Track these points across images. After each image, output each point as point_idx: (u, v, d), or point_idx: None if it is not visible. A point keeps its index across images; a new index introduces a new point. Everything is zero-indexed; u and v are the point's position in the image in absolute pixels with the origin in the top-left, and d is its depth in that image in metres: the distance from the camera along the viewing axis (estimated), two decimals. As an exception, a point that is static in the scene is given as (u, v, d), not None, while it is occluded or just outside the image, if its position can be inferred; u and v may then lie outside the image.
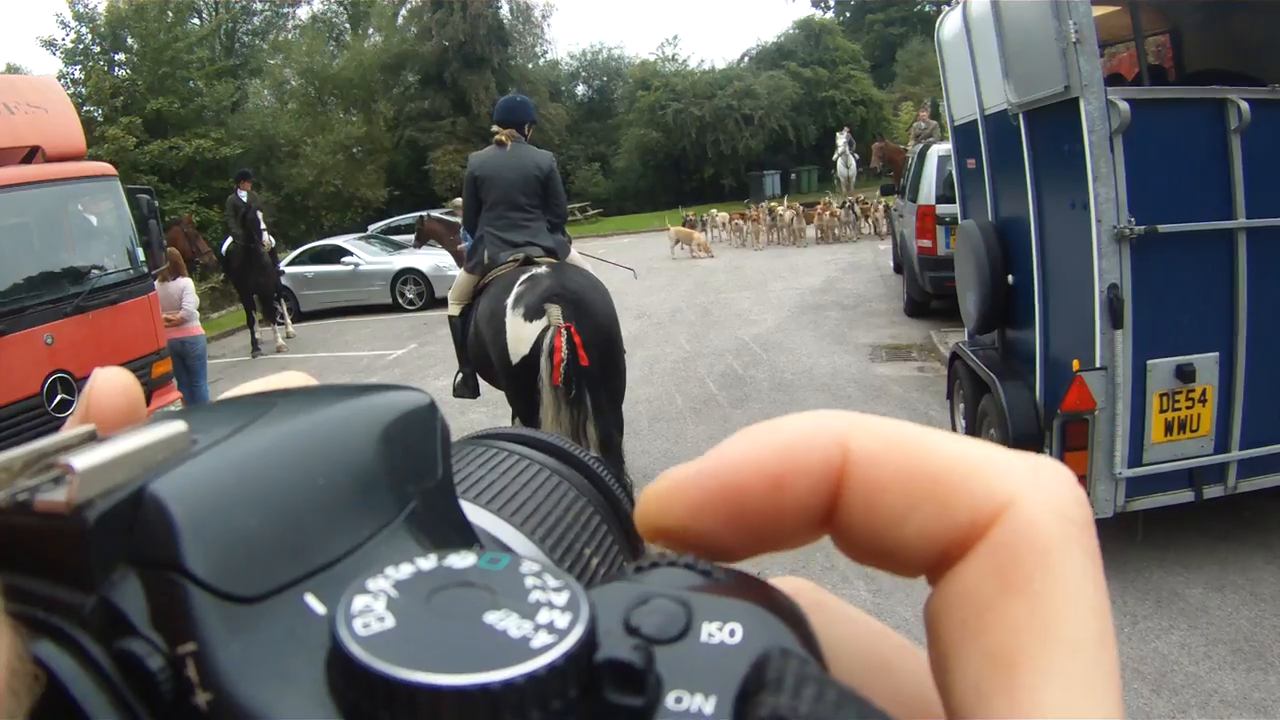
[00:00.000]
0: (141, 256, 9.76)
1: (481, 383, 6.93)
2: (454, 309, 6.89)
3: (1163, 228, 4.76)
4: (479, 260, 6.48)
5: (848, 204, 23.88)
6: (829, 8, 73.54)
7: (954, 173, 7.99)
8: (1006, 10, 5.55)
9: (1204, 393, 4.96)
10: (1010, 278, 6.33)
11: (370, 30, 44.37)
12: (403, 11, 45.79)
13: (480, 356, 6.40)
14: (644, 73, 44.43)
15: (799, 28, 45.63)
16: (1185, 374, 4.89)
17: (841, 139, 30.47)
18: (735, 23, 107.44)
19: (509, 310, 5.61)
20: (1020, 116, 5.61)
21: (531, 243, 6.34)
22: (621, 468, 5.55)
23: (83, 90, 27.87)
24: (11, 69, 28.50)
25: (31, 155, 9.27)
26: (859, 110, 41.17)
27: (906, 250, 13.12)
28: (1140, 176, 4.75)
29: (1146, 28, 6.89)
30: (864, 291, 15.61)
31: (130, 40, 29.44)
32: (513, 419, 7.31)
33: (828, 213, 23.20)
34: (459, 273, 7.03)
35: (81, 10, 29.22)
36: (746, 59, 45.38)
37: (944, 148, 12.19)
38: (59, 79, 28.06)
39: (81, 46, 29.76)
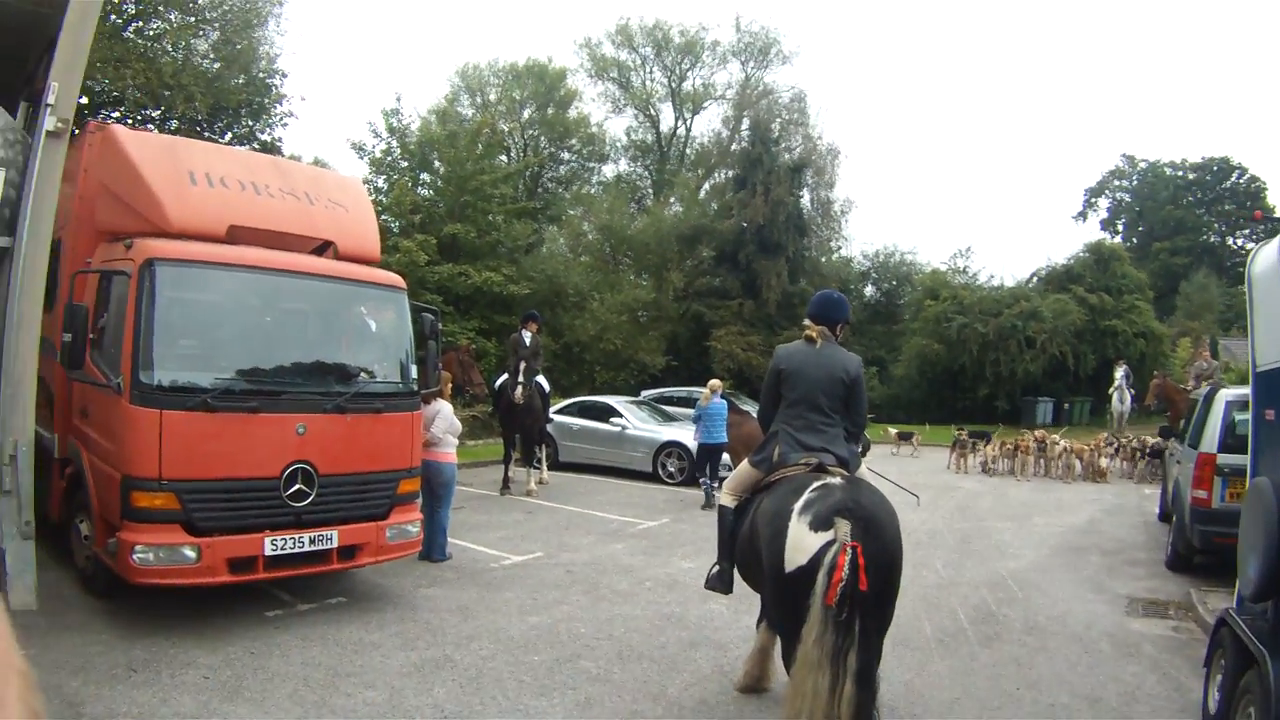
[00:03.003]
0: (415, 373, 9.98)
1: (736, 580, 6.70)
2: (728, 499, 6.68)
3: None
4: (767, 456, 6.31)
5: (1119, 443, 23.01)
6: (1118, 232, 72.71)
7: (1250, 422, 7.53)
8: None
9: None
10: (1299, 544, 5.91)
11: (673, 199, 45.53)
12: (706, 186, 47.56)
13: (748, 554, 6.21)
14: (934, 281, 44.01)
15: (1089, 251, 44.48)
16: None
17: (1119, 372, 29.46)
18: (1028, 239, 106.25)
19: (795, 514, 5.37)
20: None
21: (827, 449, 6.14)
22: (874, 700, 5.22)
23: (384, 199, 29.39)
24: (319, 163, 29.22)
25: (323, 249, 9.72)
26: (1139, 343, 39.63)
27: (1179, 498, 12.40)
28: None
29: None
30: (1126, 537, 14.86)
31: (437, 163, 30.40)
32: (758, 623, 7.24)
33: (1101, 456, 22.43)
34: (743, 463, 6.74)
35: (395, 125, 30.49)
36: (1035, 279, 44.53)
37: (1234, 392, 11.69)
38: (363, 183, 29.88)
39: (390, 159, 30.75)
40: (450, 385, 12.97)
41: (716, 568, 6.87)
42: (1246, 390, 10.88)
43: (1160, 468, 19.57)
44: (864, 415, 6.69)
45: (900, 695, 7.26)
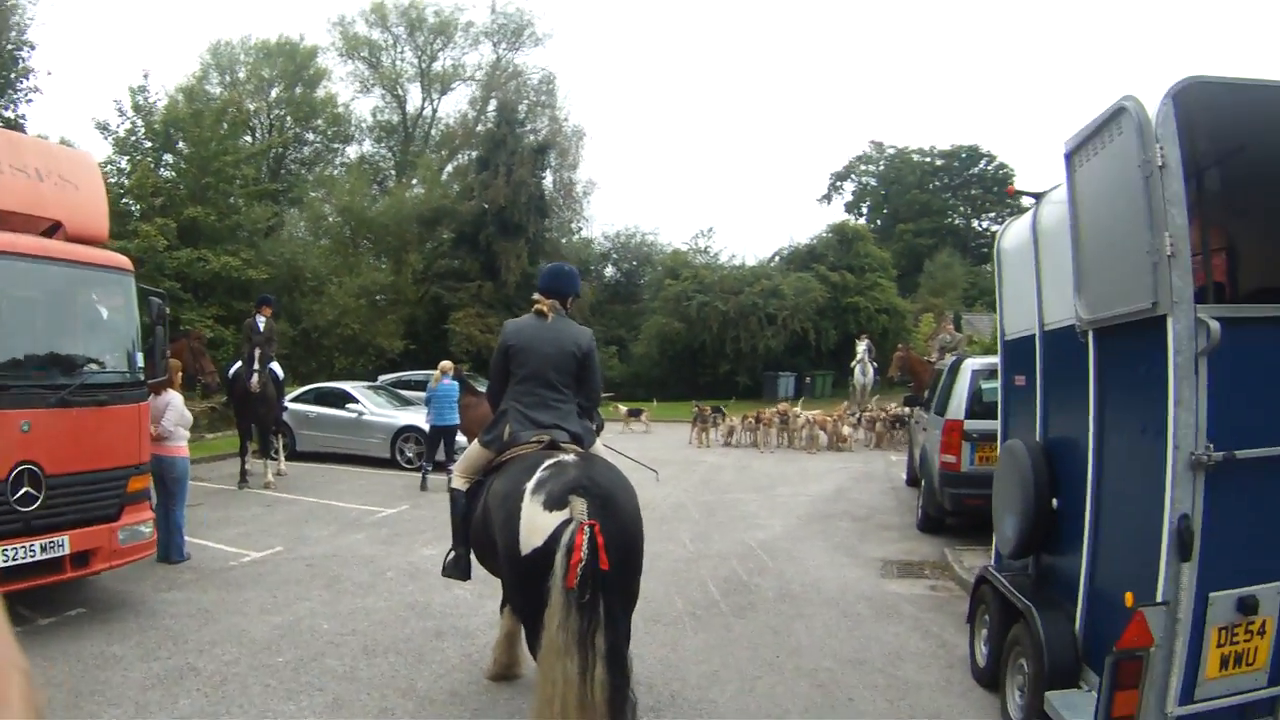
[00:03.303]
0: (141, 362, 9.29)
1: (475, 564, 6.34)
2: (459, 482, 6.32)
3: (1240, 454, 4.44)
4: (498, 435, 5.97)
5: (861, 413, 23.76)
6: (862, 214, 76.18)
7: (999, 389, 7.71)
8: (1087, 222, 5.33)
9: (1264, 625, 4.59)
10: (1055, 501, 6.03)
11: (415, 181, 44.83)
12: (449, 167, 47.16)
13: (483, 539, 5.85)
14: (675, 261, 44.87)
15: (833, 232, 46.36)
16: (1247, 606, 4.52)
17: (861, 346, 30.28)
18: (771, 221, 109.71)
19: (528, 495, 5.10)
20: (1089, 334, 5.36)
21: (559, 425, 5.89)
22: (629, 681, 4.94)
23: (126, 181, 27.75)
24: (65, 143, 28.26)
25: (52, 231, 8.88)
26: (881, 318, 41.66)
27: (926, 464, 12.82)
28: (1219, 400, 4.46)
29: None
30: (876, 503, 15.22)
31: (181, 144, 29.30)
32: (501, 607, 6.87)
33: (844, 424, 23.07)
34: (473, 443, 6.42)
35: (141, 103, 29.16)
36: (778, 258, 46.01)
37: (979, 362, 12.14)
38: (105, 165, 27.51)
39: (134, 139, 29.48)
40: (181, 374, 12.24)
41: (452, 554, 6.52)
42: (991, 360, 11.36)
43: (907, 435, 20.25)
44: (598, 390, 6.52)
45: (657, 672, 7.14)
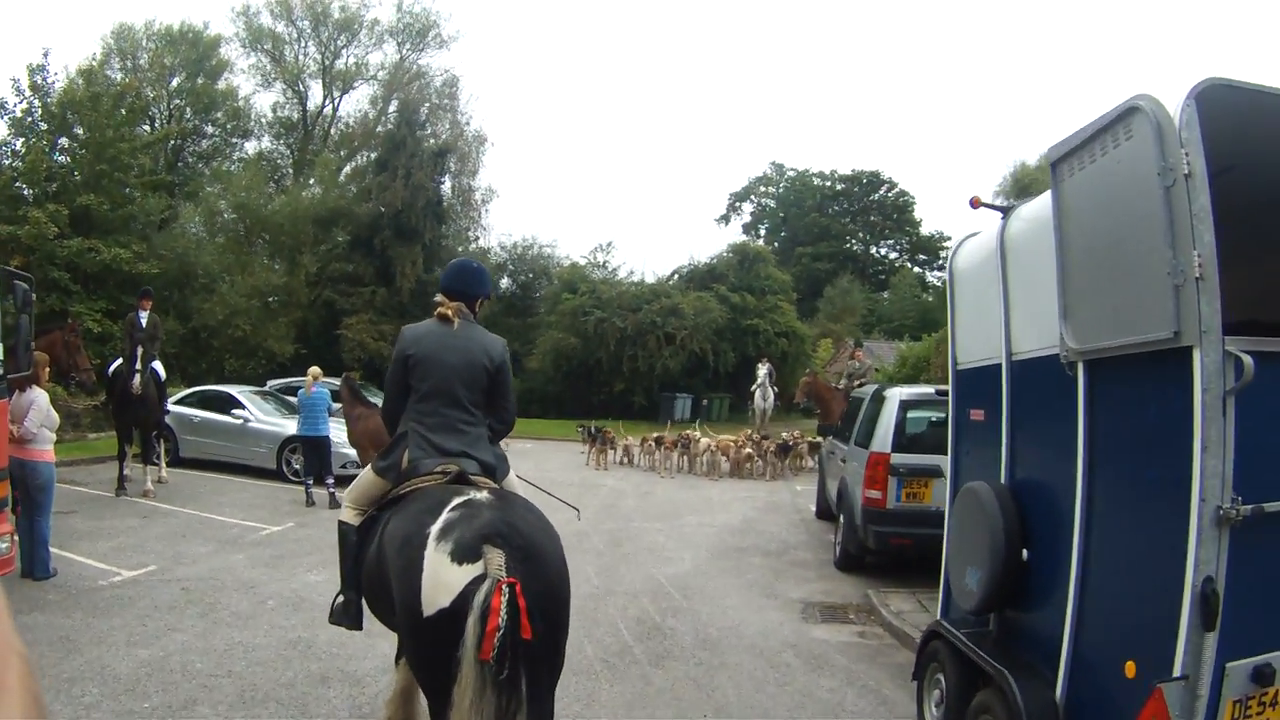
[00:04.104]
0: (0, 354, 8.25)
1: (367, 613, 5.27)
2: (349, 515, 5.31)
3: (1269, 507, 3.87)
4: (395, 463, 5.09)
5: (760, 441, 23.25)
6: (760, 236, 76.39)
7: (950, 424, 7.05)
8: (1077, 238, 4.71)
9: (1277, 696, 4.00)
10: (1025, 553, 5.39)
11: (312, 180, 43.81)
12: (348, 168, 46.33)
13: (377, 587, 4.79)
14: (572, 275, 44.12)
15: (734, 252, 46.07)
16: (1263, 676, 3.94)
17: (763, 370, 29.79)
18: (670, 238, 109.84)
19: (432, 542, 4.12)
20: (1079, 365, 4.73)
21: (468, 453, 5.04)
22: None
23: (19, 165, 27.08)
24: None
25: None
26: (781, 342, 41.28)
27: (846, 498, 12.15)
28: (1246, 446, 3.86)
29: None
30: (787, 537, 14.53)
31: (78, 129, 28.34)
32: (397, 658, 5.87)
33: (745, 447, 22.44)
34: (366, 469, 5.43)
35: (39, 82, 28.24)
36: (677, 276, 45.39)
37: (906, 391, 11.61)
38: None
39: (29, 120, 28.59)
40: (49, 369, 11.30)
41: (341, 599, 5.42)
42: (919, 390, 10.77)
43: (809, 464, 19.95)
44: (512, 411, 5.61)
45: (569, 731, 6.32)
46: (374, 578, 4.83)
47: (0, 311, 8.34)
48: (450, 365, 5.17)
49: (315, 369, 16.81)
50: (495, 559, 3.98)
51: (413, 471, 4.95)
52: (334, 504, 15.03)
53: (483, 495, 4.47)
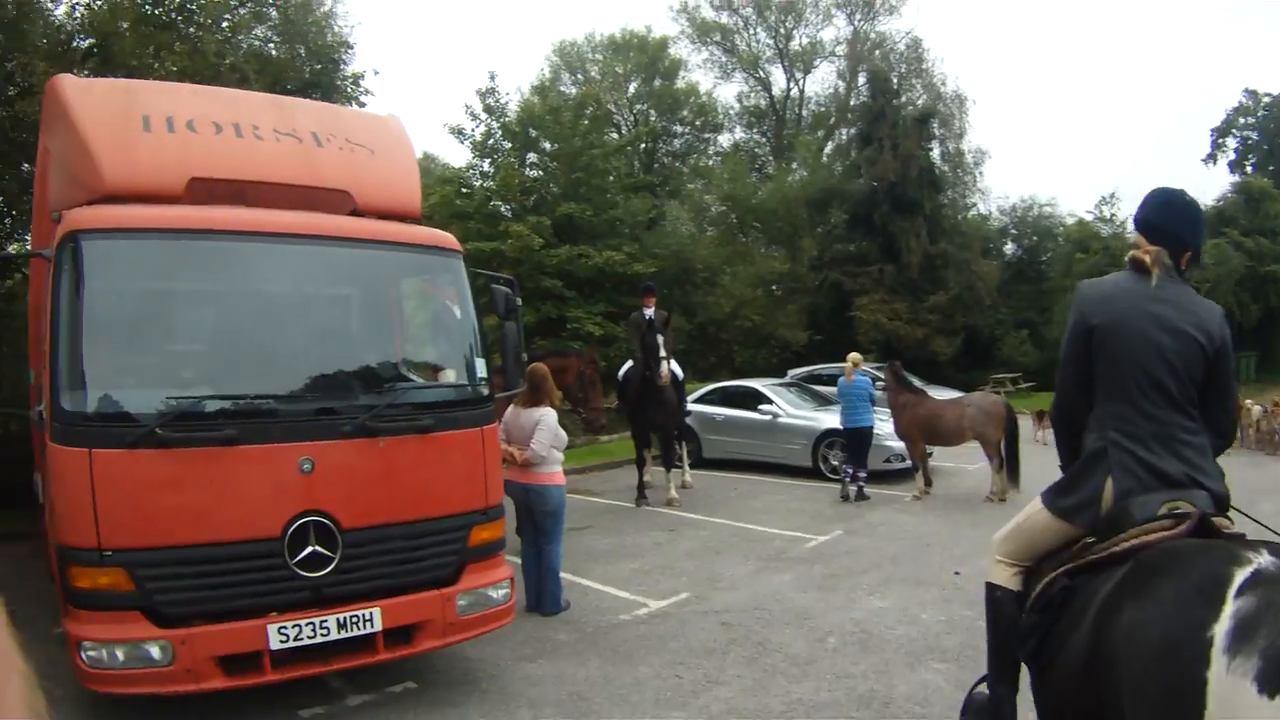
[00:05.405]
0: (483, 371, 7.13)
1: None
2: (1004, 574, 3.85)
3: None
4: (1089, 499, 3.52)
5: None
6: (1246, 174, 66.38)
7: None
8: None
9: None
10: None
11: (794, 164, 42.78)
12: (827, 147, 45.04)
13: (1077, 697, 3.16)
14: (1081, 233, 40.76)
15: (1238, 191, 41.36)
16: None
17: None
18: (1176, 178, 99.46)
19: (1219, 655, 2.46)
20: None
21: (1196, 479, 3.39)
22: None
23: (491, 184, 27.80)
24: (427, 157, 28.37)
25: (341, 206, 7.09)
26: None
27: None
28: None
29: None
30: None
31: (544, 142, 28.88)
32: None
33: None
34: (1033, 503, 3.77)
35: (492, 104, 28.78)
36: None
37: None
38: (468, 170, 28.51)
39: (491, 141, 29.26)
40: (558, 395, 9.74)
41: (985, 692, 3.99)
42: None
43: None
44: (1233, 413, 3.84)
45: None
46: (1073, 683, 3.20)
47: (475, 323, 7.33)
48: (1155, 342, 3.50)
49: (855, 355, 15.42)
50: None
51: (1123, 516, 3.39)
52: (860, 497, 14.48)
53: (1268, 562, 2.69)
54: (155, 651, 5.46)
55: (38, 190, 9.06)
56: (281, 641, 5.75)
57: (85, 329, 5.61)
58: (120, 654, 5.43)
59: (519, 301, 7.79)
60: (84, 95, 6.70)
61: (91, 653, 5.42)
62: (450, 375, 7.26)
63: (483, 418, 6.88)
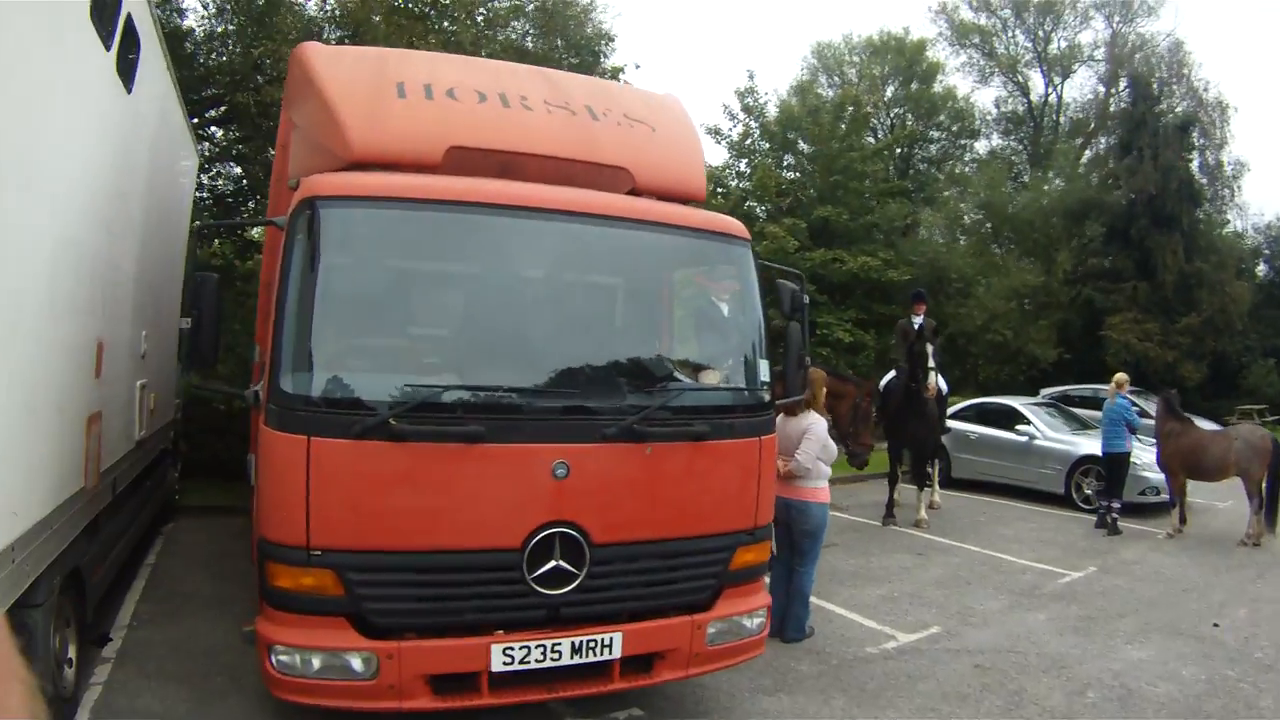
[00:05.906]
0: (765, 374, 6.42)
1: None
2: None
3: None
4: None
5: None
6: None
7: None
8: None
9: None
10: None
11: (1051, 172, 41.52)
12: (1085, 155, 43.62)
13: None
14: (1346, 253, 37.71)
15: None
16: None
17: None
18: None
19: None
20: None
21: None
22: None
23: (748, 184, 27.86)
24: None
25: (618, 184, 6.53)
26: None
27: None
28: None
29: None
30: None
31: (801, 144, 28.92)
32: None
33: None
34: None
35: (750, 104, 28.91)
36: None
37: None
38: (724, 169, 28.41)
39: (749, 142, 29.33)
40: (826, 415, 9.07)
41: None
42: None
43: None
44: None
45: None
46: None
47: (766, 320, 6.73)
48: None
49: (1121, 375, 15.05)
50: None
51: None
52: (1103, 527, 14.28)
53: None
54: (357, 663, 5.17)
55: (277, 162, 8.67)
56: (505, 663, 5.35)
57: (317, 305, 5.18)
58: (316, 662, 5.17)
59: (806, 299, 6.96)
60: (332, 62, 6.36)
61: (284, 657, 5.17)
62: (720, 377, 6.58)
63: (762, 426, 6.28)
